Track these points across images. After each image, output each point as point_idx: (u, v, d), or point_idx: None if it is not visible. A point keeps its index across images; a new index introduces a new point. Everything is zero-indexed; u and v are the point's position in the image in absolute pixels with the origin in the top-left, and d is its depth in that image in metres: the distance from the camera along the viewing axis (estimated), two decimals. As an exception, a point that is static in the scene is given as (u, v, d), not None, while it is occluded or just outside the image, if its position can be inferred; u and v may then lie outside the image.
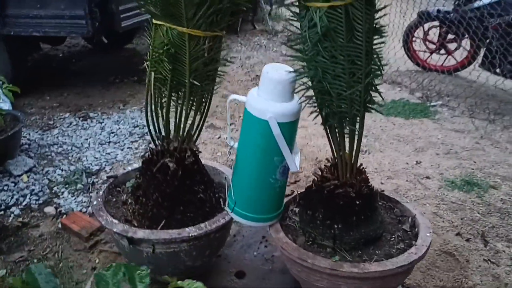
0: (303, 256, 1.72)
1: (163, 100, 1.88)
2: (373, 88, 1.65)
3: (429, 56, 5.20)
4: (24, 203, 2.80)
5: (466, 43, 4.87)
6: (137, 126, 3.93)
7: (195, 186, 1.94)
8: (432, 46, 5.17)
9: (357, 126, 1.73)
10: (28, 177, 3.07)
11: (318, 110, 1.75)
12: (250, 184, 1.85)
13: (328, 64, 1.56)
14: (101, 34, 4.24)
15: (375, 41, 1.59)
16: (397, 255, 1.76)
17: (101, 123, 4.00)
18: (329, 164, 1.88)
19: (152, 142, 1.97)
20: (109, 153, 3.45)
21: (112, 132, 3.82)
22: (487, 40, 4.34)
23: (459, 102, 4.39)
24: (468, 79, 4.77)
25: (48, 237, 2.52)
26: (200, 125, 1.96)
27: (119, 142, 3.64)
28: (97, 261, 2.34)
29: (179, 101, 1.89)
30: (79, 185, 2.98)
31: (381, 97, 1.66)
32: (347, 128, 1.74)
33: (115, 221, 1.89)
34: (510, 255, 2.36)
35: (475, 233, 2.53)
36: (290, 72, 1.69)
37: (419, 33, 5.17)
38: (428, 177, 3.10)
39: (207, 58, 1.75)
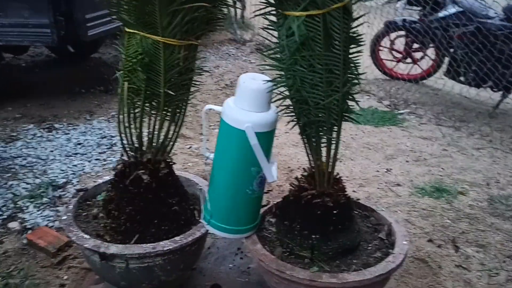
0: (281, 268, 1.70)
1: (136, 111, 1.83)
2: (350, 97, 1.65)
3: (395, 65, 5.30)
4: (-14, 219, 2.68)
5: (431, 52, 4.99)
6: (105, 137, 3.83)
7: (169, 199, 1.89)
8: (399, 55, 5.27)
9: (334, 135, 1.72)
10: (-10, 191, 2.95)
11: (295, 120, 1.74)
12: (226, 195, 1.81)
13: (306, 73, 1.55)
14: (66, 44, 4.10)
15: (352, 50, 1.60)
16: (374, 264, 1.75)
17: (67, 134, 3.88)
18: (306, 173, 1.87)
19: (124, 153, 1.91)
20: (76, 165, 3.34)
21: (79, 144, 3.70)
22: (452, 49, 4.46)
23: (425, 110, 4.49)
24: (433, 87, 4.89)
25: (13, 254, 2.40)
26: (175, 136, 1.91)
27: (86, 154, 3.53)
28: (65, 277, 2.25)
29: (153, 112, 1.84)
30: (45, 199, 2.87)
31: (358, 106, 1.67)
32: (324, 137, 1.73)
33: (86, 236, 1.82)
34: (481, 260, 2.40)
35: (446, 239, 2.57)
36: (267, 81, 1.68)
37: (386, 42, 5.26)
38: (398, 184, 3.13)
39: (182, 68, 1.71)
